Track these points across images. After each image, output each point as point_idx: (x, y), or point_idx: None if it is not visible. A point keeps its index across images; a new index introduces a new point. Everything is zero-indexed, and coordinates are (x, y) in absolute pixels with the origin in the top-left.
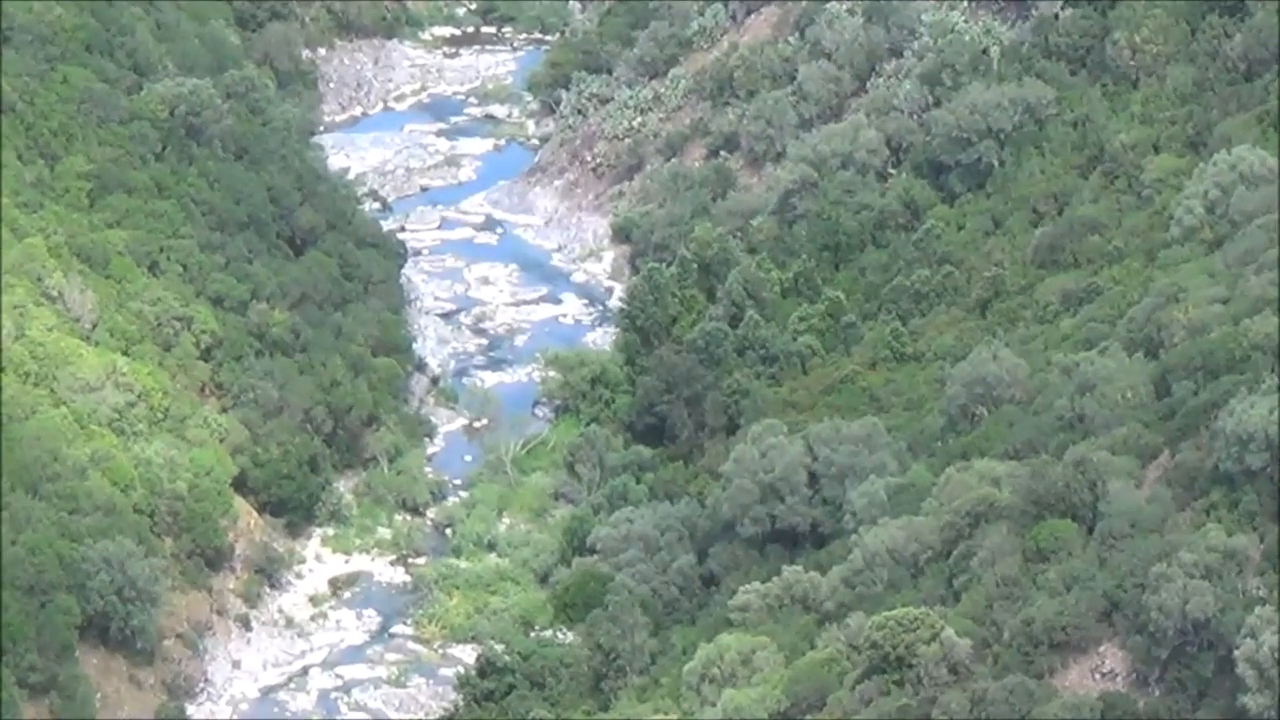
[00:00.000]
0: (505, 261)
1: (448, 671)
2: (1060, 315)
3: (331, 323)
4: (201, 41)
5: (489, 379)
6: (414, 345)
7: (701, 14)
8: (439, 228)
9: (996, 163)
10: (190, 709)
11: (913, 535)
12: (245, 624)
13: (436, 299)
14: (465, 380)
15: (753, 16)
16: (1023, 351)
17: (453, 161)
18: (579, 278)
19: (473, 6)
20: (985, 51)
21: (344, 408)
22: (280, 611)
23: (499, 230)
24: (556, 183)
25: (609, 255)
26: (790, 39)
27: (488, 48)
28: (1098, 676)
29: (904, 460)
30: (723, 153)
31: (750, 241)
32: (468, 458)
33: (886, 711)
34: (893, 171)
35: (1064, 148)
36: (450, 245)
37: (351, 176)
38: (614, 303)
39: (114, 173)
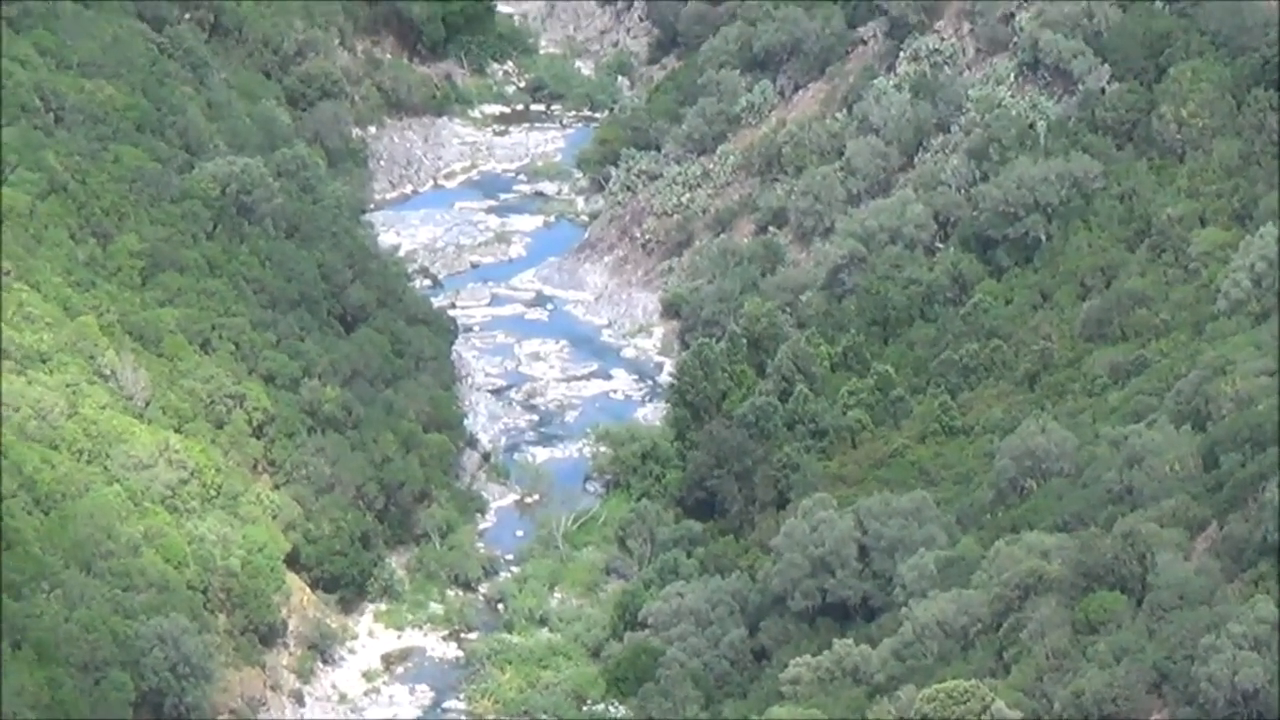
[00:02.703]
0: (556, 337)
1: None
2: (1108, 388)
3: (383, 399)
4: (252, 120)
5: (540, 454)
6: (465, 421)
7: (749, 90)
8: (489, 304)
9: (1044, 237)
10: None
11: (962, 608)
12: (299, 699)
13: (487, 375)
14: (516, 456)
15: (800, 93)
16: (1071, 424)
17: (503, 238)
18: (629, 353)
19: (522, 84)
20: (1032, 126)
21: (396, 484)
22: (334, 687)
23: (549, 306)
24: (606, 259)
25: (659, 331)
26: (838, 115)
27: (537, 125)
28: None
29: (953, 533)
30: (771, 228)
31: (799, 316)
32: (519, 533)
33: None
34: (940, 246)
35: (1111, 221)
36: (501, 321)
37: (402, 254)
38: (664, 378)
39: (166, 251)
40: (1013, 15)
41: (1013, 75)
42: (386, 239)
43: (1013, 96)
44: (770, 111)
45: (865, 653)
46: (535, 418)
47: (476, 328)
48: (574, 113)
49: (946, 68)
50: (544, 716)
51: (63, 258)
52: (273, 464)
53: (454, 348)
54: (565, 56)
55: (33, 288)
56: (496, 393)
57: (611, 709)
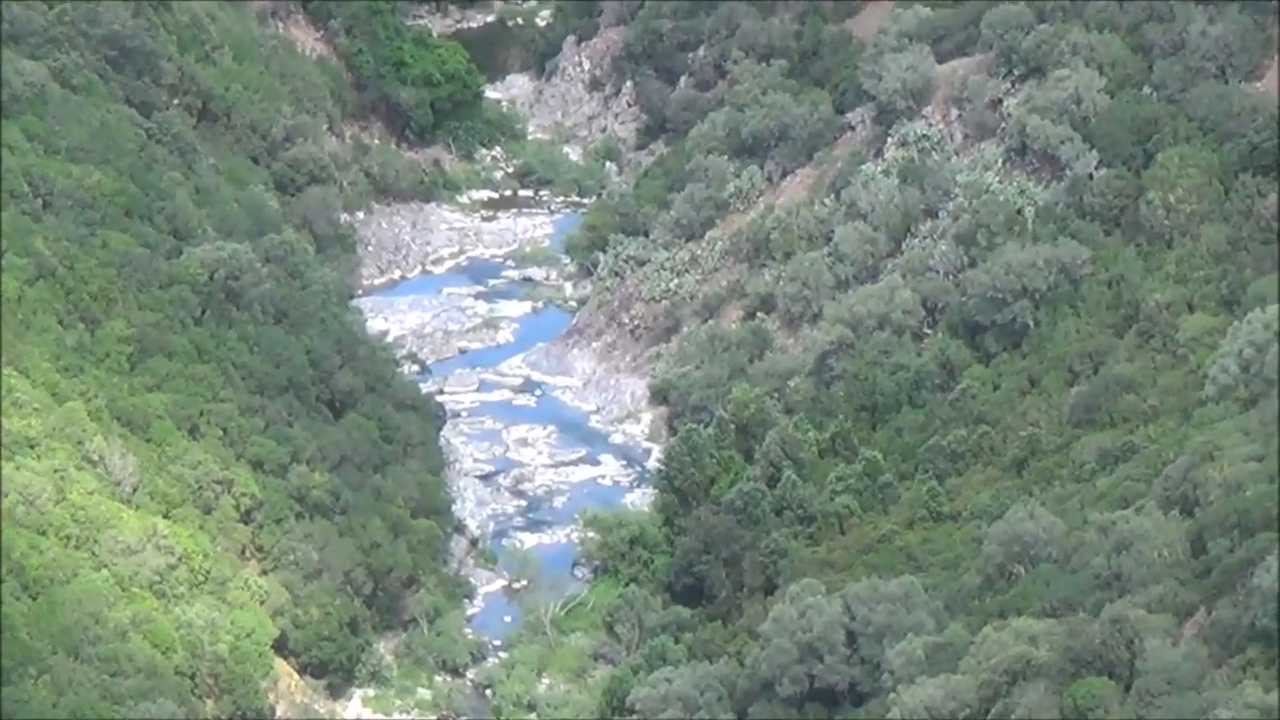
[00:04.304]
0: (544, 423)
1: None
2: (1096, 474)
3: (371, 485)
4: (240, 205)
5: (528, 540)
6: (453, 507)
7: (737, 176)
8: (478, 390)
9: (1032, 322)
10: None
11: (951, 694)
12: None
13: (475, 461)
14: (504, 541)
15: (788, 178)
16: (1059, 510)
17: (491, 324)
18: (617, 439)
19: (510, 170)
20: (1020, 212)
21: (384, 569)
22: None
23: (537, 392)
24: (594, 344)
25: (647, 417)
26: (826, 200)
27: (525, 211)
28: None
29: (941, 619)
30: (759, 314)
31: (787, 402)
32: (507, 618)
33: None
34: (929, 332)
35: (1099, 307)
36: (489, 407)
37: (390, 339)
38: (652, 464)
39: (154, 337)
40: (1000, 101)
41: (1000, 161)
42: (375, 324)
43: (1000, 182)
44: (758, 197)
45: None
46: (523, 503)
47: (465, 413)
48: (562, 198)
49: (934, 153)
50: None
51: (51, 343)
52: (261, 549)
53: (442, 433)
54: (553, 142)
55: (21, 373)
56: (485, 478)
57: None
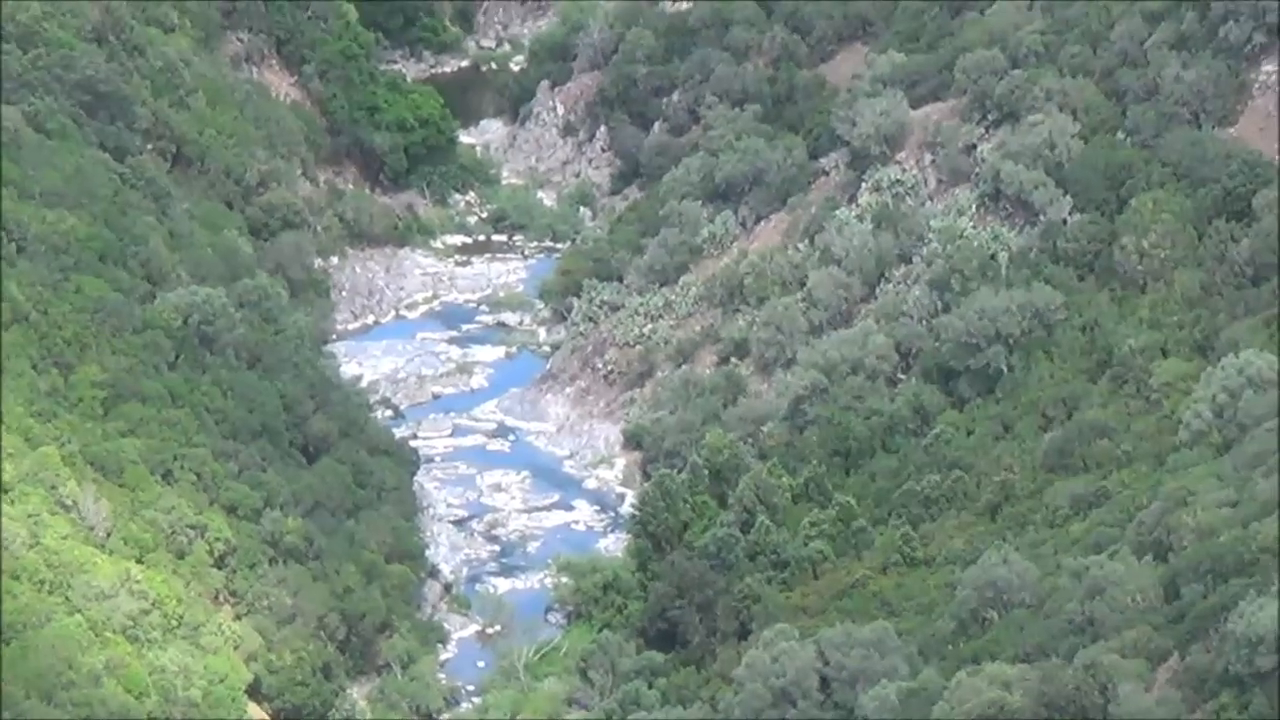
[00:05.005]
0: (517, 468)
1: None
2: (1070, 519)
3: (344, 530)
4: (214, 250)
5: (502, 585)
6: (427, 552)
7: (711, 221)
8: (451, 435)
9: (1005, 368)
10: None
11: None
12: None
13: (449, 506)
14: (478, 587)
15: (762, 223)
16: (1033, 555)
17: (465, 369)
18: (591, 484)
19: (484, 215)
20: (994, 257)
21: (357, 615)
22: None
23: (511, 437)
24: (568, 390)
25: (620, 462)
26: (800, 245)
27: (499, 255)
28: None
29: (915, 664)
30: (733, 359)
31: (761, 447)
32: (481, 664)
33: None
34: (902, 377)
35: (1072, 353)
36: (462, 452)
37: (364, 384)
38: (626, 509)
39: (128, 382)
40: (974, 146)
41: (974, 206)
42: (348, 369)
43: (974, 227)
44: (732, 242)
45: None
46: (497, 548)
47: (438, 458)
48: (536, 243)
49: (908, 198)
50: None
51: (24, 388)
52: (234, 594)
53: (416, 478)
54: (527, 187)
55: None
56: (458, 523)
57: None
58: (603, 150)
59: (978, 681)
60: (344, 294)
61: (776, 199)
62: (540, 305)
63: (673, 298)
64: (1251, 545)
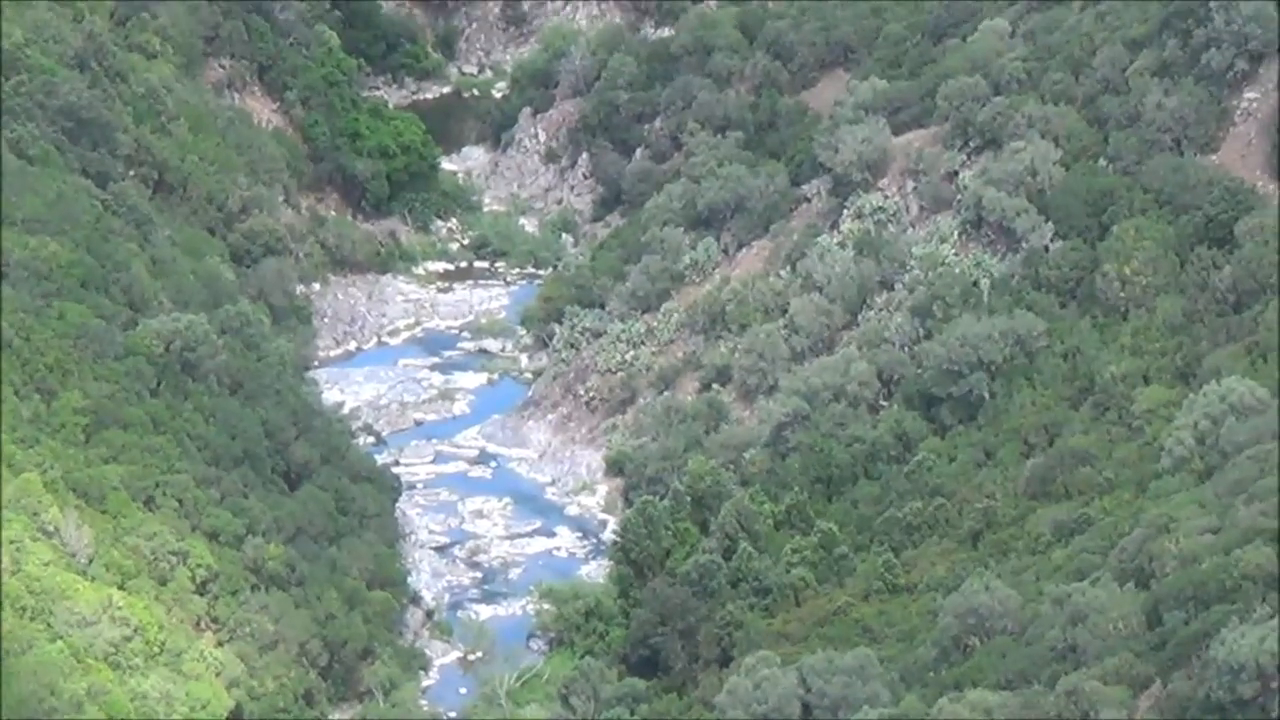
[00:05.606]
0: (499, 495)
1: None
2: (1052, 546)
3: (326, 557)
4: (196, 277)
5: (483, 612)
6: (409, 579)
7: (693, 248)
8: (433, 462)
9: (987, 395)
10: None
11: None
12: None
13: (431, 532)
14: (460, 613)
15: (744, 250)
16: (1015, 582)
17: (447, 396)
18: (573, 511)
19: (466, 241)
20: (975, 284)
21: (339, 641)
22: None
23: (493, 464)
24: (550, 416)
25: (602, 489)
26: (782, 272)
27: (481, 282)
28: None
29: (897, 691)
30: (715, 386)
31: (743, 474)
32: (462, 690)
33: None
34: (884, 404)
35: (1055, 380)
36: (444, 479)
37: (346, 411)
38: (608, 536)
39: (110, 408)
40: (956, 173)
41: (956, 233)
42: (330, 396)
43: (956, 254)
44: (714, 269)
45: None
46: (479, 575)
47: (420, 485)
48: (518, 270)
49: (890, 225)
50: None
51: (6, 414)
52: (216, 621)
53: (398, 505)
54: (509, 214)
55: None
56: (440, 550)
57: None
58: (585, 177)
59: (960, 708)
60: (326, 320)
61: (758, 226)
62: (522, 332)
63: (655, 324)
64: (1234, 572)
